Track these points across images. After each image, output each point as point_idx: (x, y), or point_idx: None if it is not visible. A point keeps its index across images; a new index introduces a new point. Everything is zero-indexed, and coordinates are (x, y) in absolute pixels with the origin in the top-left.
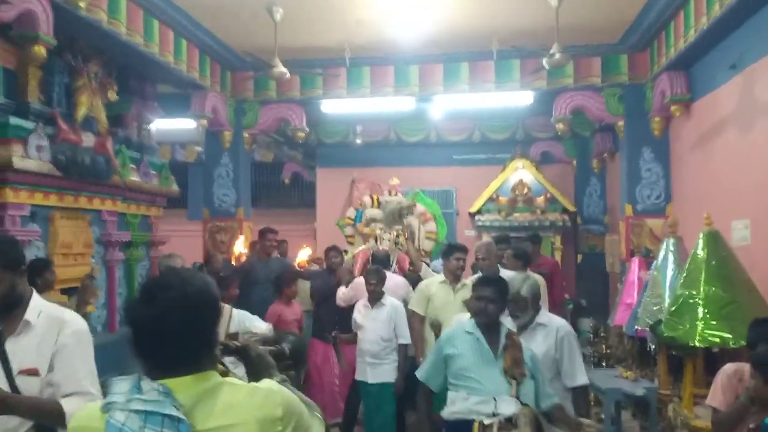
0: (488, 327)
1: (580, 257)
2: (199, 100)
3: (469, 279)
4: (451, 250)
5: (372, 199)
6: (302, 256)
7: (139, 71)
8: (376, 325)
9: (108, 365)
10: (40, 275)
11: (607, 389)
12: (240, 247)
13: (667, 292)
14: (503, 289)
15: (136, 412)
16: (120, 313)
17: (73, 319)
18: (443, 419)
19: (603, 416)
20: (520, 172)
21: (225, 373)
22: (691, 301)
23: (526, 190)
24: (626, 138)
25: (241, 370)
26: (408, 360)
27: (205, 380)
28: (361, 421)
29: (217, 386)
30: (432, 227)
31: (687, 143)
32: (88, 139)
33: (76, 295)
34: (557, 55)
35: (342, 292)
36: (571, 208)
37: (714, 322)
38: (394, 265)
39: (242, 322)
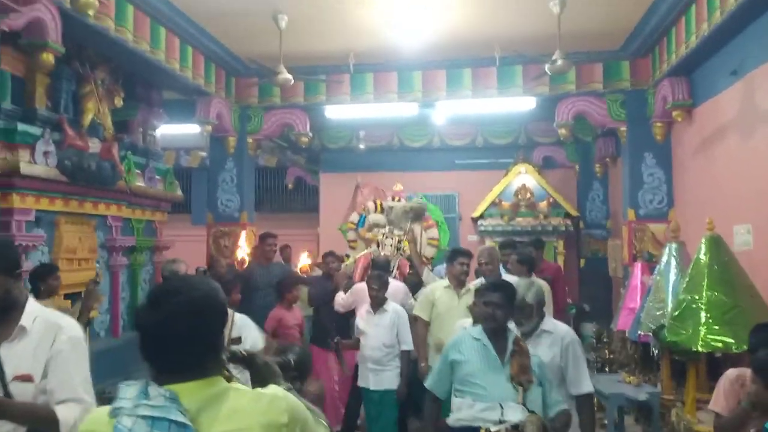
0: (495, 333)
1: (582, 262)
2: (204, 106)
3: (473, 284)
4: (455, 254)
5: (375, 204)
6: (304, 261)
7: (146, 78)
8: (379, 331)
9: (111, 370)
10: (43, 281)
11: (610, 394)
12: (242, 252)
13: (670, 297)
14: (511, 295)
15: (143, 417)
16: (123, 318)
17: (69, 325)
18: (448, 426)
19: (606, 421)
20: (523, 177)
21: (230, 379)
22: (694, 305)
23: (528, 195)
24: (628, 143)
25: (245, 375)
26: (411, 364)
27: (210, 386)
28: (362, 426)
29: (222, 392)
30: (434, 234)
31: (689, 148)
32: (94, 145)
33: (81, 300)
34: (559, 62)
35: (341, 297)
36: (574, 212)
37: (716, 327)
38: (394, 270)
39: (241, 328)
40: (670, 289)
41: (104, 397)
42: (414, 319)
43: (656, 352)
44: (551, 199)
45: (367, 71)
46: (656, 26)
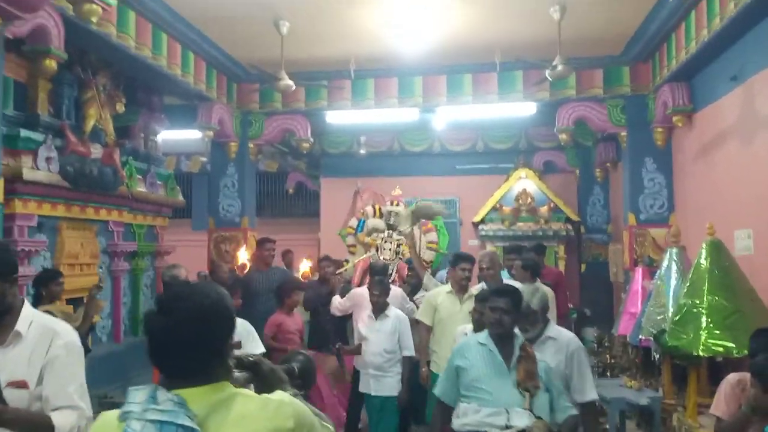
0: (501, 338)
1: (583, 266)
2: (206, 112)
3: (475, 288)
4: (457, 260)
5: (374, 209)
6: (305, 266)
7: (147, 83)
8: (380, 337)
9: (113, 375)
10: (45, 286)
11: (612, 399)
12: (243, 257)
13: (671, 302)
14: (517, 300)
15: (152, 421)
16: (125, 323)
17: (65, 331)
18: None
19: (608, 426)
20: (524, 182)
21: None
22: (695, 310)
23: (529, 200)
24: (629, 148)
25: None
26: (412, 370)
27: (218, 391)
28: (365, 430)
29: (230, 397)
30: (433, 237)
31: (689, 153)
32: (96, 151)
33: (83, 306)
34: (560, 67)
35: (338, 301)
36: (575, 217)
37: (717, 332)
38: (393, 274)
39: (240, 334)
40: (671, 293)
41: (106, 401)
42: (415, 322)
43: (657, 356)
44: (552, 204)
45: (368, 77)
46: (656, 32)
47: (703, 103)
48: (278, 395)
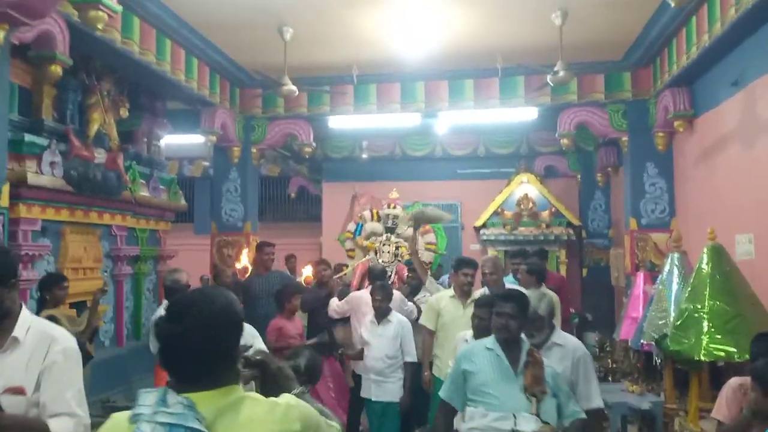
0: (508, 343)
1: (585, 271)
2: (209, 117)
3: (478, 293)
4: (459, 264)
5: (372, 212)
6: (308, 271)
7: (151, 88)
8: (382, 342)
9: (115, 379)
10: (49, 290)
11: (614, 403)
12: (244, 261)
13: (672, 306)
14: (524, 305)
15: (162, 424)
16: (127, 327)
17: (63, 336)
18: None
19: (610, 430)
20: (525, 186)
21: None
22: (696, 315)
23: (530, 204)
24: (630, 153)
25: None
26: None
27: (227, 394)
28: None
29: (238, 400)
30: (431, 238)
31: (690, 158)
32: (99, 156)
33: (88, 309)
34: (561, 73)
35: (336, 304)
36: (576, 221)
37: (719, 336)
38: (393, 276)
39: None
40: (673, 298)
41: (108, 405)
42: (415, 321)
43: (659, 361)
44: (553, 209)
45: (371, 82)
46: (657, 37)
47: (704, 108)
48: (285, 398)
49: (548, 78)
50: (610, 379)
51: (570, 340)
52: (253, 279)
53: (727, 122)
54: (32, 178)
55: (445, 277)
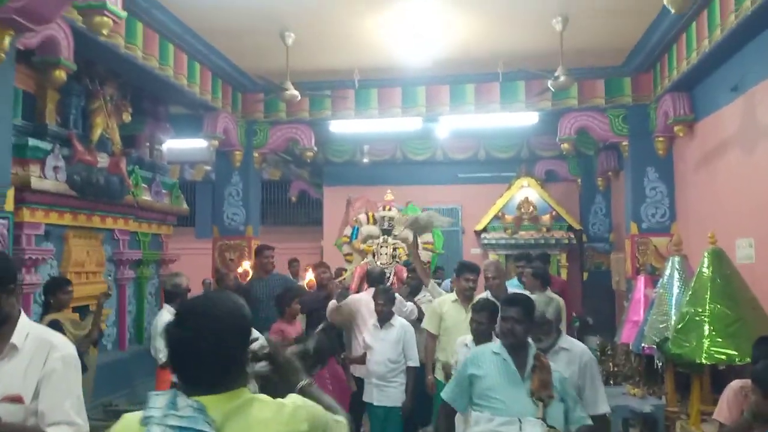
0: (515, 348)
1: (585, 275)
2: (211, 122)
3: (481, 297)
4: (461, 269)
5: (367, 216)
6: (310, 276)
7: (153, 93)
8: (385, 346)
9: (117, 382)
10: (53, 294)
11: (615, 407)
12: (246, 264)
13: (673, 310)
14: (529, 309)
15: (172, 427)
16: (130, 331)
17: (62, 343)
18: None
19: None
20: (526, 191)
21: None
22: (697, 318)
23: (531, 209)
24: (631, 157)
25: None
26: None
27: (236, 397)
28: None
29: (246, 402)
30: (428, 238)
31: (691, 163)
32: (102, 160)
33: (93, 313)
34: (562, 78)
35: (335, 305)
36: (577, 225)
37: (720, 340)
38: (392, 277)
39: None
40: (674, 301)
41: (110, 409)
42: (416, 320)
43: (660, 364)
44: (554, 213)
45: (372, 87)
46: (657, 43)
47: (704, 113)
48: (292, 399)
49: (549, 83)
50: (611, 382)
51: (577, 344)
52: (253, 282)
53: (727, 127)
54: (36, 183)
55: (447, 282)
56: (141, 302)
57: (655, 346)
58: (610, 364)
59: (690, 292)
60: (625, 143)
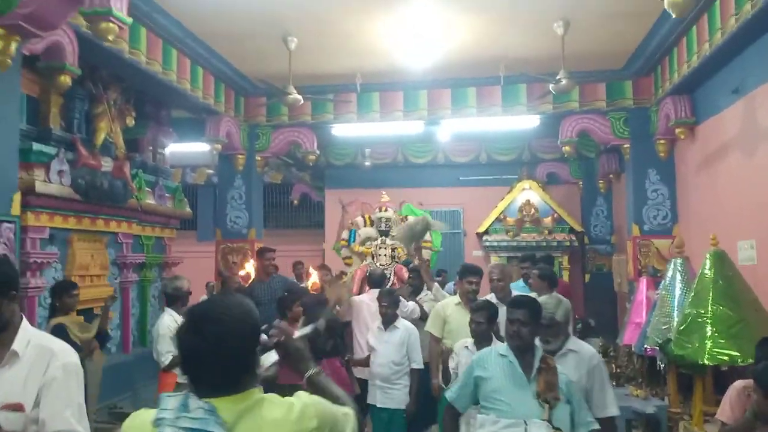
0: (521, 350)
1: (587, 277)
2: (214, 125)
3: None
4: (464, 272)
5: (364, 218)
6: (314, 278)
7: (156, 97)
8: (389, 348)
9: (121, 385)
10: (59, 298)
11: (618, 408)
12: (248, 267)
13: (676, 312)
14: (536, 311)
15: (184, 429)
16: (134, 334)
17: (63, 351)
18: None
19: None
20: (527, 193)
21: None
22: (700, 320)
23: (533, 211)
24: (632, 160)
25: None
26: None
27: (246, 399)
28: None
29: (257, 403)
30: (426, 236)
31: (692, 165)
32: (106, 164)
33: (99, 316)
34: (563, 81)
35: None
36: (578, 228)
37: (722, 341)
38: (392, 278)
39: None
40: (676, 303)
41: (114, 411)
42: (418, 319)
43: (663, 365)
44: (555, 215)
45: (374, 90)
46: (658, 46)
47: (705, 116)
48: (300, 397)
49: (550, 86)
50: (614, 383)
51: (585, 347)
52: (255, 285)
53: (728, 130)
54: (40, 187)
55: (450, 284)
56: (144, 305)
57: (657, 348)
58: (613, 365)
59: (692, 294)
60: (626, 146)
